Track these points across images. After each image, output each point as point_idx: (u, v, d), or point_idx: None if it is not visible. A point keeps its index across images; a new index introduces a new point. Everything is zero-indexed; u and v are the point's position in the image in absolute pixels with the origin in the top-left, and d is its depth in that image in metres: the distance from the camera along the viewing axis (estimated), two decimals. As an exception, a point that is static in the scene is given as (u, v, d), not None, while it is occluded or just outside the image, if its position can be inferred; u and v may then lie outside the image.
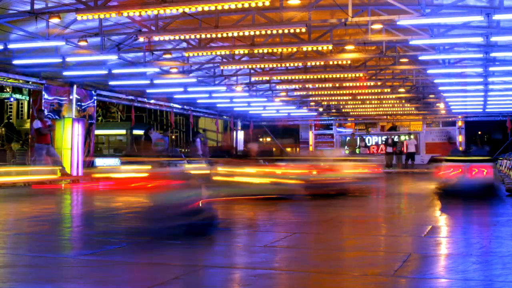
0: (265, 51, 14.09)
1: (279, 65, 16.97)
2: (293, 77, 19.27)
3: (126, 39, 14.18)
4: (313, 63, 15.76)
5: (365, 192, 10.87)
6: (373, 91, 21.62)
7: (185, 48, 14.66)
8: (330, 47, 13.26)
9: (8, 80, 16.51)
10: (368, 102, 25.44)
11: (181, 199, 5.55)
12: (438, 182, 10.16)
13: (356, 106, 27.26)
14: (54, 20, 11.52)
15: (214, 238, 5.40)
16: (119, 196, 8.54)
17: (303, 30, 11.53)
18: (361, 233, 6.08)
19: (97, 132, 21.22)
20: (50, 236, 5.80)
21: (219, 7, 9.96)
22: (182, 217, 5.33)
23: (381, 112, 28.95)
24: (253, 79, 19.57)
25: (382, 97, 23.44)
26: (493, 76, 18.72)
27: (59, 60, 15.08)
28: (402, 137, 28.97)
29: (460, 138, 28.32)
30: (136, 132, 27.71)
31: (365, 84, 19.43)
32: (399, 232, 6.21)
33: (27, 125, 23.89)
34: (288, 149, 34.27)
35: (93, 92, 18.79)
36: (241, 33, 12.40)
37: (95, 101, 19.27)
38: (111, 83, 18.27)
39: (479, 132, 32.36)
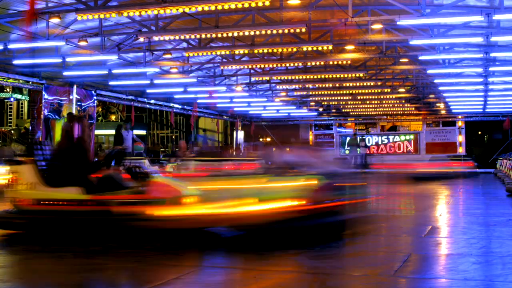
0: (265, 51, 14.09)
1: (279, 65, 16.96)
2: (293, 77, 19.28)
3: (126, 39, 14.18)
4: (313, 63, 15.76)
5: None
6: (373, 91, 21.63)
7: (185, 48, 14.66)
8: (330, 47, 13.26)
9: (8, 80, 16.52)
10: (368, 102, 25.45)
11: None
12: None
13: (356, 106, 27.27)
14: (54, 20, 11.52)
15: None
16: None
17: (303, 30, 11.52)
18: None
19: (97, 132, 21.20)
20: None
21: (219, 7, 9.96)
22: None
23: (381, 112, 28.96)
24: (253, 79, 19.58)
25: (382, 97, 23.44)
26: (493, 76, 18.72)
27: (59, 60, 15.09)
28: (403, 137, 29.04)
29: (460, 138, 28.33)
30: (136, 132, 27.71)
31: (365, 84, 19.44)
32: (399, 232, 6.22)
33: (27, 125, 23.89)
34: (288, 149, 34.18)
35: (93, 92, 18.79)
36: (241, 33, 12.41)
37: (95, 101, 19.27)
38: (111, 83, 18.27)
39: (479, 132, 32.38)
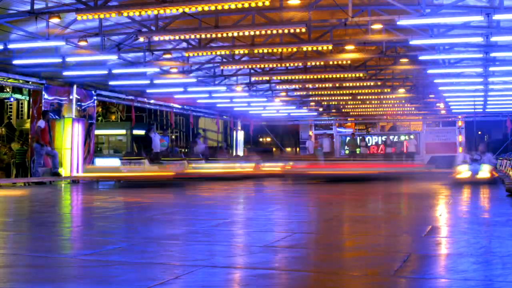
0: (265, 51, 14.10)
1: (279, 65, 16.97)
2: (293, 77, 19.29)
3: (126, 39, 14.20)
4: (313, 63, 15.77)
5: None
6: (373, 91, 21.63)
7: (185, 48, 14.67)
8: (330, 47, 13.27)
9: (8, 80, 16.53)
10: (368, 102, 25.46)
11: None
12: None
13: (356, 106, 27.28)
14: (54, 20, 11.53)
15: (214, 238, 5.41)
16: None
17: (303, 30, 11.54)
18: (361, 232, 6.08)
19: (97, 132, 21.18)
20: (50, 236, 5.80)
21: (219, 7, 9.97)
22: None
23: (381, 112, 28.96)
24: (253, 79, 19.59)
25: (382, 97, 23.45)
26: (493, 76, 18.72)
27: (59, 60, 15.09)
28: (402, 137, 29.00)
29: (460, 138, 28.32)
30: (136, 132, 27.71)
31: (365, 84, 19.43)
32: (399, 232, 6.21)
33: (27, 125, 23.92)
34: (288, 149, 34.26)
35: (93, 92, 18.80)
36: (241, 33, 12.42)
37: (95, 101, 19.27)
38: (111, 83, 18.28)
39: (479, 132, 32.40)
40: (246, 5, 9.58)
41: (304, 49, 13.58)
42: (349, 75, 17.10)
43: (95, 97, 18.95)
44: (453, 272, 3.92)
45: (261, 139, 37.78)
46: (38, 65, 15.61)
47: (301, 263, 4.31)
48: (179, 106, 24.56)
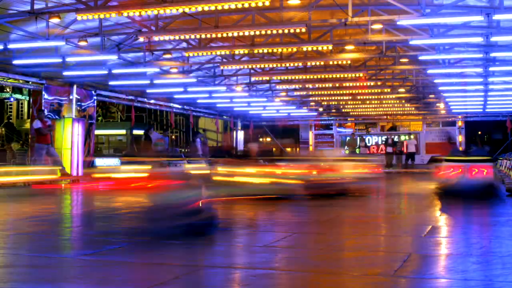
0: (265, 51, 14.09)
1: (279, 65, 16.97)
2: (293, 77, 19.27)
3: (126, 39, 14.19)
4: (313, 63, 15.76)
5: (365, 192, 10.82)
6: (373, 91, 21.61)
7: (185, 48, 14.66)
8: (330, 47, 13.26)
9: (8, 80, 16.52)
10: (368, 102, 25.44)
11: (181, 199, 5.54)
12: (438, 182, 10.17)
13: (356, 106, 27.26)
14: (54, 20, 11.52)
15: (214, 238, 5.40)
16: (118, 196, 8.45)
17: (303, 30, 11.53)
18: (361, 233, 6.08)
19: (97, 132, 21.21)
20: (50, 236, 5.79)
21: (219, 7, 9.96)
22: (181, 217, 5.33)
23: (381, 112, 28.95)
24: (253, 79, 19.57)
25: (382, 97, 23.44)
26: (493, 76, 18.71)
27: (59, 60, 15.08)
28: (402, 137, 28.99)
29: (460, 138, 28.32)
30: (136, 132, 27.74)
31: (365, 84, 19.42)
32: (399, 232, 6.21)
33: (27, 125, 23.93)
34: (288, 149, 34.30)
35: (93, 92, 18.79)
36: (241, 33, 12.40)
37: (95, 101, 19.26)
38: (111, 83, 18.26)
39: (479, 132, 32.40)
40: (246, 5, 9.57)
41: (304, 49, 13.57)
42: (349, 75, 17.09)
43: (95, 97, 18.94)
44: (453, 272, 3.93)
45: (261, 139, 37.77)
46: (38, 65, 15.60)
47: (301, 263, 4.31)
48: (179, 106, 24.56)
